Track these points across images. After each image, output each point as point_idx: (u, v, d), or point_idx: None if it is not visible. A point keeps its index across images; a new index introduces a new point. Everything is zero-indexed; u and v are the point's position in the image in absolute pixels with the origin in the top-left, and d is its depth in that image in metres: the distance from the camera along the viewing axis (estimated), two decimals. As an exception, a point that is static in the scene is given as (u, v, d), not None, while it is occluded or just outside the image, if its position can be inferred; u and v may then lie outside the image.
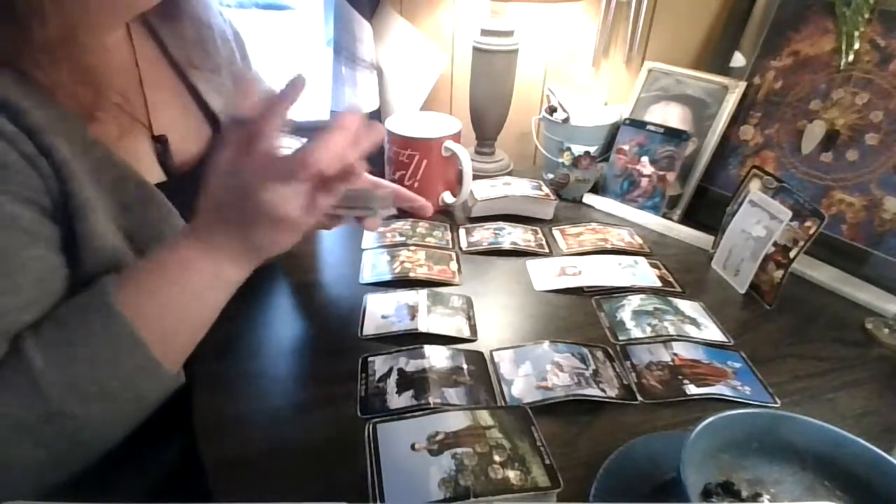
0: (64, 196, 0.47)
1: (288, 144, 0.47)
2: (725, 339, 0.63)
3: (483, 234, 0.82)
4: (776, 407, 0.54)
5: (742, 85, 0.86)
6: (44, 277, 0.46)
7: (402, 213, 0.88)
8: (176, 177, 0.61)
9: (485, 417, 0.47)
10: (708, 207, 0.89)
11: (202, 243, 0.48)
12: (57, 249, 0.48)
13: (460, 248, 0.80)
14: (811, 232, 0.65)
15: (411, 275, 0.71)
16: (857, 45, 0.77)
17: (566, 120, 0.96)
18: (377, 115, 1.19)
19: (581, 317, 0.67)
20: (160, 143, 0.61)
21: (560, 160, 0.94)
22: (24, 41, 0.46)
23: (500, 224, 0.85)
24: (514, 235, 0.82)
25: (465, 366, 0.57)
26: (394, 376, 0.55)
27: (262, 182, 0.45)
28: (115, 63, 0.59)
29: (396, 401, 0.53)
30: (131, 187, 0.53)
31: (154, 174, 0.59)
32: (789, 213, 0.66)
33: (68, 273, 0.48)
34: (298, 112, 0.47)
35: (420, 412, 0.50)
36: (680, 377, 0.57)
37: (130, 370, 0.44)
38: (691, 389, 0.55)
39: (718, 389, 0.55)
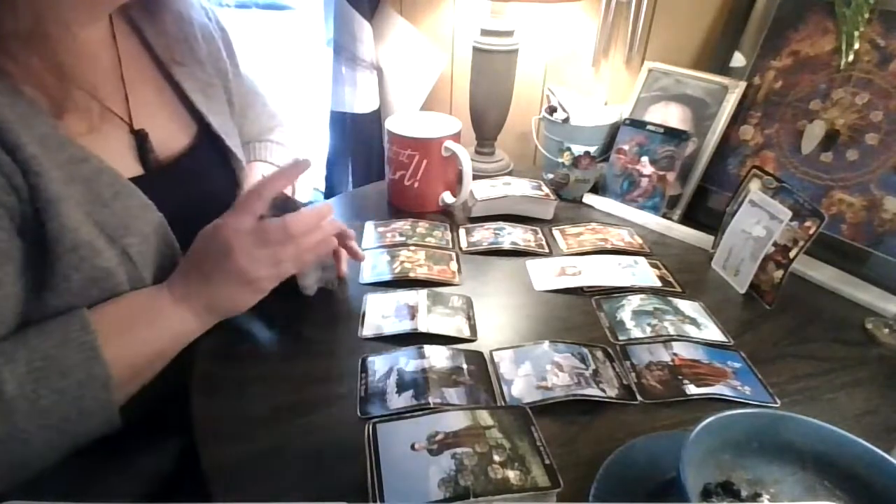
0: (32, 192, 0.47)
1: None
2: (725, 339, 0.63)
3: (483, 234, 0.82)
4: (776, 407, 0.54)
5: (742, 85, 0.86)
6: None
7: (402, 213, 0.88)
8: (154, 171, 0.61)
9: (485, 417, 0.47)
10: (708, 207, 0.89)
11: (176, 295, 0.53)
12: (6, 263, 0.47)
13: (460, 248, 0.80)
14: (811, 232, 0.65)
15: (411, 275, 0.71)
16: (857, 45, 0.77)
17: (566, 120, 0.96)
18: (377, 115, 1.19)
19: (581, 317, 0.67)
20: (140, 138, 0.60)
21: (560, 160, 0.94)
22: None
23: (500, 224, 0.85)
24: (514, 235, 0.82)
25: (465, 366, 0.57)
26: (394, 376, 0.55)
27: (243, 244, 0.53)
28: (97, 59, 0.59)
29: (396, 401, 0.53)
30: (105, 182, 0.53)
31: (132, 170, 0.59)
32: (789, 213, 0.66)
33: (18, 290, 0.48)
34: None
35: (420, 412, 0.49)
36: (680, 377, 0.57)
37: (91, 409, 0.46)
38: (691, 389, 0.55)
39: (718, 389, 0.55)
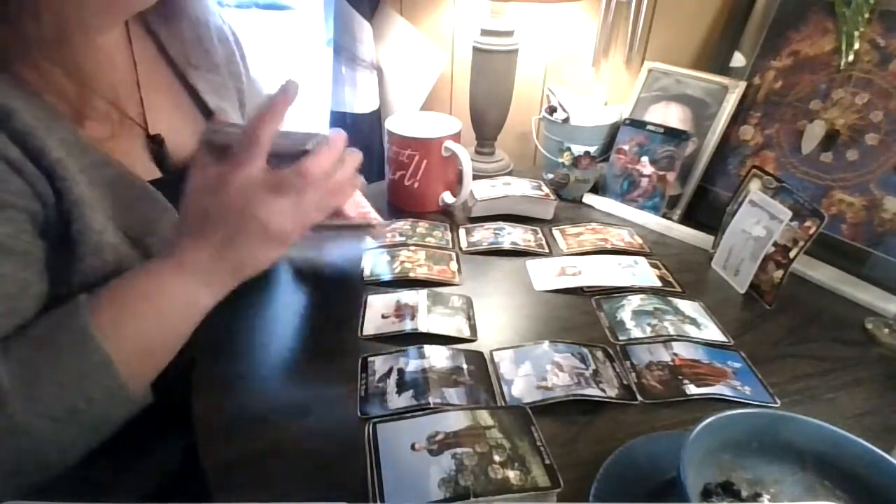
0: (58, 196, 0.47)
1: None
2: (725, 339, 0.63)
3: (483, 234, 0.82)
4: (776, 407, 0.54)
5: (742, 85, 0.86)
6: (9, 294, 0.44)
7: (402, 213, 0.88)
8: (172, 174, 0.61)
9: (485, 417, 0.47)
10: (708, 207, 0.89)
11: (178, 265, 0.48)
12: (32, 265, 0.46)
13: (460, 248, 0.80)
14: (811, 232, 0.65)
15: (411, 275, 0.71)
16: (857, 45, 0.77)
17: (566, 120, 0.96)
18: (377, 115, 1.19)
19: (581, 317, 0.67)
20: (156, 143, 0.61)
21: (560, 160, 0.94)
22: (18, 40, 0.46)
23: (500, 224, 0.85)
24: (514, 235, 0.82)
25: (465, 366, 0.57)
26: (394, 376, 0.55)
27: (257, 196, 0.46)
28: (113, 63, 0.59)
29: (396, 401, 0.53)
30: (126, 185, 0.53)
31: (150, 173, 0.59)
32: (789, 213, 0.66)
33: (43, 290, 0.47)
34: (295, 115, 0.49)
35: (420, 412, 0.50)
36: (680, 377, 0.57)
37: (98, 392, 0.44)
38: (691, 389, 0.55)
39: (718, 389, 0.55)
